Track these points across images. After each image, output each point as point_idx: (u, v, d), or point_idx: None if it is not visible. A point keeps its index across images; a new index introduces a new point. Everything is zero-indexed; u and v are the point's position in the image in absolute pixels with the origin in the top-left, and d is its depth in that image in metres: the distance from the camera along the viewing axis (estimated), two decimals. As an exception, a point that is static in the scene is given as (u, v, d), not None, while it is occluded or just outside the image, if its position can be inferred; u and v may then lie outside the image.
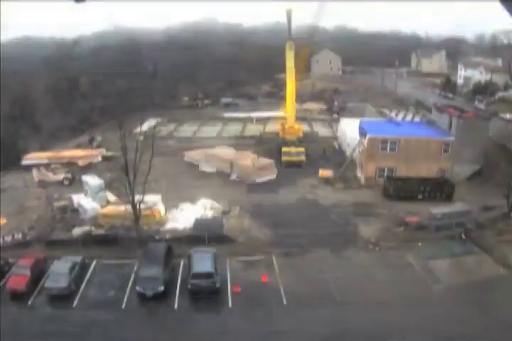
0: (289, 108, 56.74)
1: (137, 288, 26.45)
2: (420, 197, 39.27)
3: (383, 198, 40.40)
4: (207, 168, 48.79)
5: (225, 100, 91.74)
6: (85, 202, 37.74)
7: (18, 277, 26.96)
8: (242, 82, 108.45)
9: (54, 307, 25.81)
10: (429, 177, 41.36)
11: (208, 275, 26.44)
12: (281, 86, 68.28)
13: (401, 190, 39.68)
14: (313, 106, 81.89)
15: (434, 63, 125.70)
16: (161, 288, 26.28)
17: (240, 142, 59.45)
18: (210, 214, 36.73)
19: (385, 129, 46.08)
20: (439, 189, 39.70)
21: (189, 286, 26.47)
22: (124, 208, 33.80)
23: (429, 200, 38.27)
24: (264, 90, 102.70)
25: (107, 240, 32.29)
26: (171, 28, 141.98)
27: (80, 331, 23.54)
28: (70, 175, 45.83)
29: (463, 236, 32.81)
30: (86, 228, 34.36)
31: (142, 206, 32.87)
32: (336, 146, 57.37)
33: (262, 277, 28.08)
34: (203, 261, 27.59)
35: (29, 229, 34.19)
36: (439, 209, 34.48)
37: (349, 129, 52.86)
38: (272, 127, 66.17)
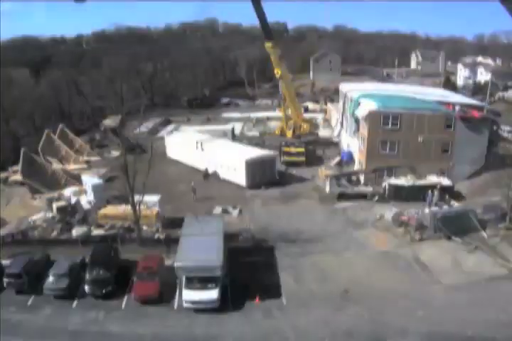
0: (293, 106, 56.53)
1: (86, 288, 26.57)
2: (421, 197, 39.06)
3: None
4: None
5: (224, 100, 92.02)
6: (85, 202, 37.73)
7: None
8: (242, 82, 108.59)
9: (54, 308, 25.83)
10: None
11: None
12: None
13: (401, 191, 39.43)
14: (313, 106, 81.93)
15: (434, 63, 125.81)
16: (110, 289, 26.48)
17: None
18: None
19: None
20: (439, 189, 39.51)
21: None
22: (123, 208, 33.84)
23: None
24: (264, 90, 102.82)
25: (107, 240, 32.31)
26: (171, 28, 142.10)
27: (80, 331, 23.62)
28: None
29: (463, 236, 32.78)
30: (86, 228, 34.41)
31: (142, 206, 32.90)
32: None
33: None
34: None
35: (29, 229, 34.20)
36: (439, 209, 34.46)
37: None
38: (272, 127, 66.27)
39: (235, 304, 25.22)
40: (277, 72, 53.86)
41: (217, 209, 37.93)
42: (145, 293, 26.06)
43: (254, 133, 64.53)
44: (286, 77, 54.51)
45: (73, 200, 38.43)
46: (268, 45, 51.69)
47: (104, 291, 26.40)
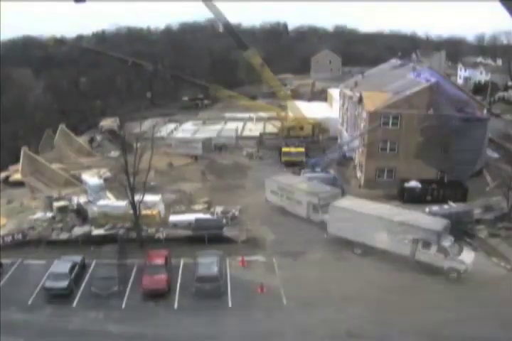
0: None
1: (92, 288, 26.61)
2: (435, 198, 38.44)
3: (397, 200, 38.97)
4: None
5: None
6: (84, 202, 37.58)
7: None
8: (242, 82, 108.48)
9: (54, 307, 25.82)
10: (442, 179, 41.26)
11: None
12: (281, 86, 68.25)
13: (415, 192, 39.08)
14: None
15: (434, 63, 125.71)
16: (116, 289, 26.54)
17: (240, 142, 59.58)
18: None
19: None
20: (453, 191, 39.19)
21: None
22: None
23: (443, 202, 36.76)
24: (264, 90, 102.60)
25: (107, 240, 32.30)
26: (171, 28, 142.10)
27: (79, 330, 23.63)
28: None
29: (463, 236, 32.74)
30: (86, 228, 34.41)
31: (142, 206, 32.89)
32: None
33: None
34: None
35: (29, 229, 34.20)
36: (438, 209, 34.41)
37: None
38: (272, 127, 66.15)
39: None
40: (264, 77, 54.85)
41: (218, 209, 37.88)
42: (153, 287, 26.26)
43: (254, 133, 64.46)
44: (273, 81, 55.39)
45: (75, 200, 38.44)
46: (246, 54, 53.31)
47: (109, 291, 26.41)
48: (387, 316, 23.47)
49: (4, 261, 29.77)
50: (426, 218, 30.36)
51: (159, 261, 28.24)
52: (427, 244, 27.44)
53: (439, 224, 28.58)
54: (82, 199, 38.38)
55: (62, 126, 56.67)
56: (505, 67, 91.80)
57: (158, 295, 26.26)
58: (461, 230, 32.63)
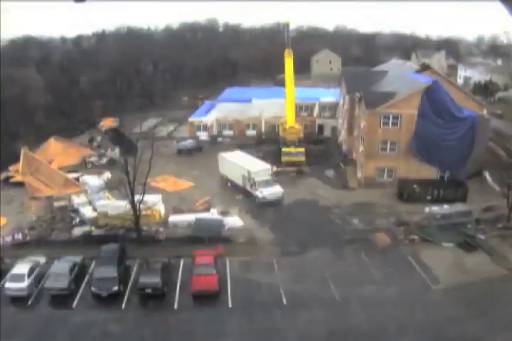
0: (290, 109, 56.56)
1: (92, 288, 26.50)
2: (434, 198, 38.55)
3: (397, 200, 39.48)
4: None
5: None
6: (83, 208, 37.48)
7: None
8: (242, 82, 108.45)
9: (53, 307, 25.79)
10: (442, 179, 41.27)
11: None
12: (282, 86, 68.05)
13: (415, 191, 39.10)
14: None
15: (434, 63, 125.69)
16: (115, 288, 26.42)
17: (240, 142, 59.43)
18: None
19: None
20: (453, 190, 39.12)
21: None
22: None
23: (443, 202, 36.55)
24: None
25: (107, 240, 32.30)
26: (171, 28, 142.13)
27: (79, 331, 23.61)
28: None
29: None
30: (86, 228, 34.41)
31: (142, 206, 32.87)
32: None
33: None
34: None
35: (29, 229, 34.19)
36: (438, 209, 34.42)
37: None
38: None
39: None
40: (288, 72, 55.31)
41: (217, 210, 37.87)
42: (204, 288, 25.97)
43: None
44: (291, 77, 55.34)
45: (74, 201, 38.42)
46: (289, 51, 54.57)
47: (109, 291, 26.35)
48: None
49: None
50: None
51: (207, 260, 27.88)
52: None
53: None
54: (81, 200, 38.39)
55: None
56: (505, 67, 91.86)
57: (209, 297, 25.79)
58: (461, 230, 32.78)
